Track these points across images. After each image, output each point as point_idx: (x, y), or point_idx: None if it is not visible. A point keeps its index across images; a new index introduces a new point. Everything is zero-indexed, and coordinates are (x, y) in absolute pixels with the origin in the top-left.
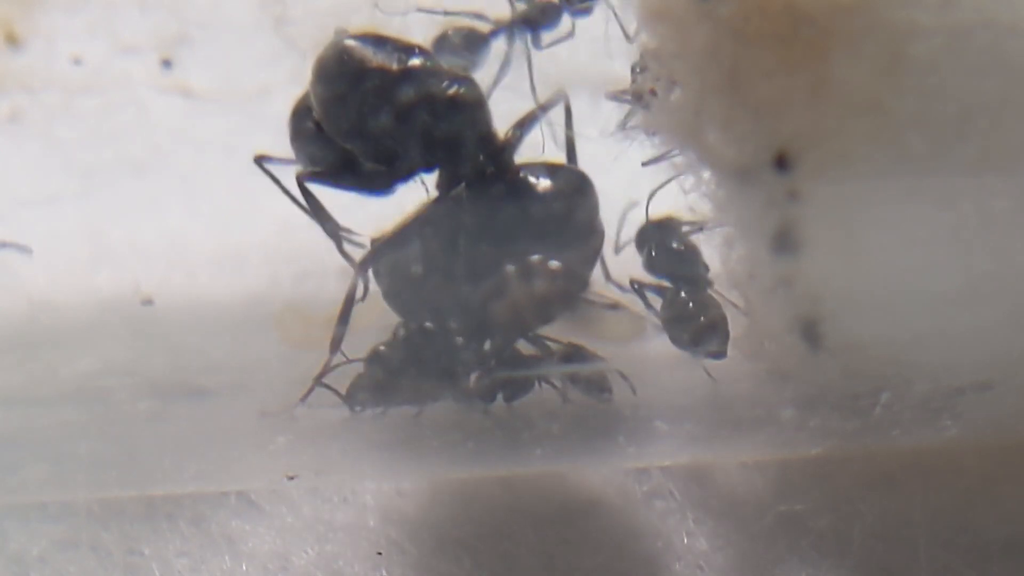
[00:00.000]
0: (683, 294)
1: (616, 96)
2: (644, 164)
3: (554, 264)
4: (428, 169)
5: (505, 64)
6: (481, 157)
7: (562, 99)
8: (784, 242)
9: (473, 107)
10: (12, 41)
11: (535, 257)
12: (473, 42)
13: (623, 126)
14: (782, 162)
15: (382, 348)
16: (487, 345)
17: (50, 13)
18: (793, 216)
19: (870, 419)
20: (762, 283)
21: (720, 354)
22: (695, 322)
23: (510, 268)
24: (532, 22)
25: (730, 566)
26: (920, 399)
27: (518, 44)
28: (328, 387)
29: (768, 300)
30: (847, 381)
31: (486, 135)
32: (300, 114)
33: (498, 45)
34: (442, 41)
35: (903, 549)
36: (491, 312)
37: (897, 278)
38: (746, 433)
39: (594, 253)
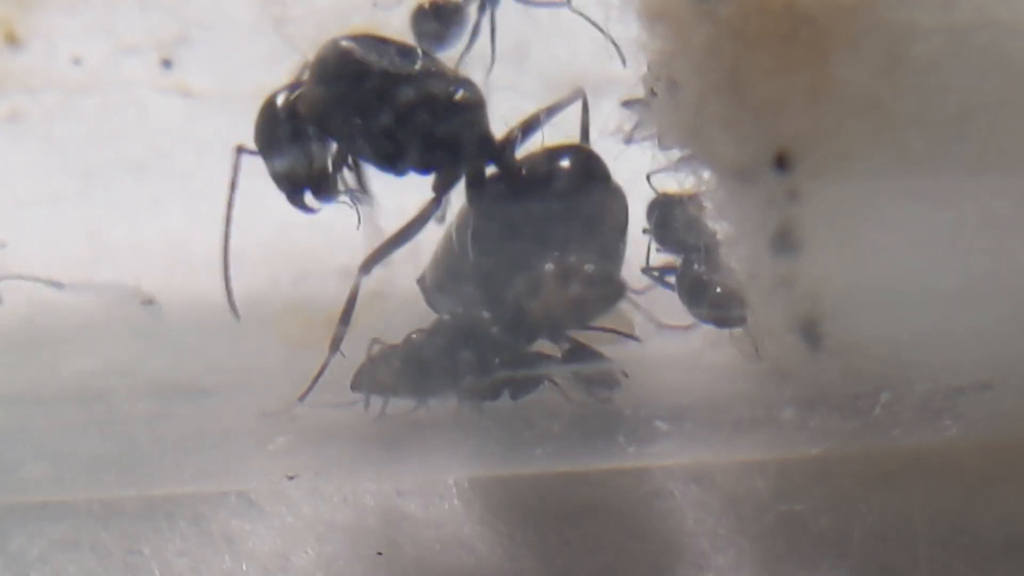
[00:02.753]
0: (696, 265)
1: (631, 104)
2: None
3: (590, 268)
4: (425, 171)
5: (473, 34)
6: (479, 159)
7: (579, 97)
8: (784, 242)
9: (473, 110)
10: (12, 41)
11: (572, 259)
12: (447, 13)
13: (630, 136)
14: (782, 162)
15: (415, 336)
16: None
17: (50, 13)
18: (793, 216)
19: (870, 419)
20: (762, 283)
21: (739, 322)
22: (712, 291)
23: (548, 267)
24: None
25: (730, 566)
26: (920, 399)
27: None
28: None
29: (768, 300)
30: (847, 381)
31: (484, 137)
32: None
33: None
34: (419, 15)
35: (903, 549)
36: (526, 309)
37: (897, 278)
38: (746, 433)
39: (620, 226)
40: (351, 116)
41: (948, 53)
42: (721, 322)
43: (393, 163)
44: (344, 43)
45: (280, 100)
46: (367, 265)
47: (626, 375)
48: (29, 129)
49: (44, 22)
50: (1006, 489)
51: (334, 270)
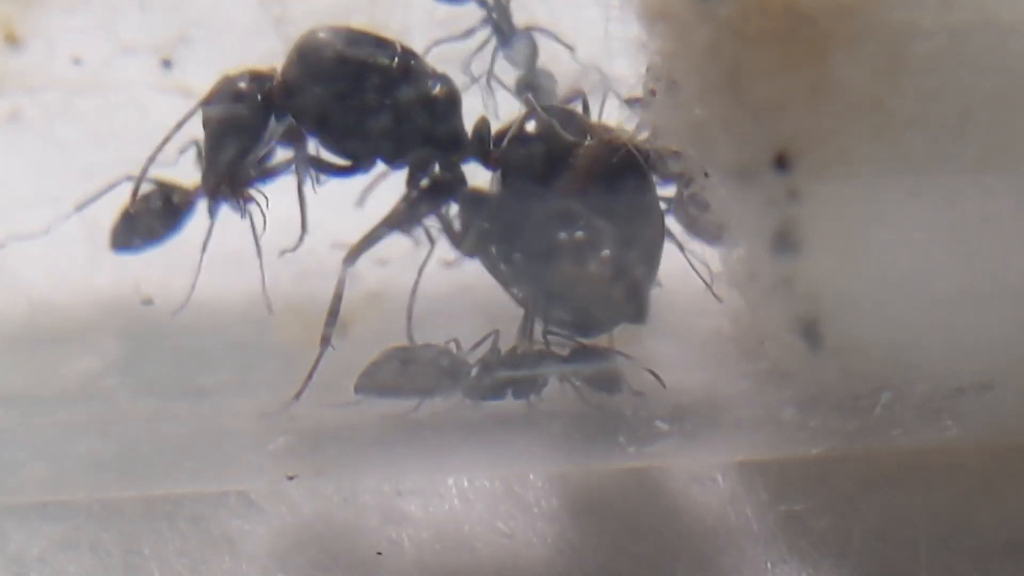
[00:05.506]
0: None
1: (633, 103)
2: None
3: (621, 269)
4: (396, 165)
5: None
6: (450, 155)
7: (579, 97)
8: (784, 242)
9: (447, 107)
10: (12, 41)
11: (606, 252)
12: None
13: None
14: (782, 162)
15: None
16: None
17: (50, 13)
18: (793, 216)
19: (870, 419)
20: (762, 283)
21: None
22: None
23: (590, 250)
24: None
25: (730, 566)
26: (920, 399)
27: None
28: None
29: (768, 300)
30: (847, 381)
31: (456, 134)
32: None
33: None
34: None
35: (903, 549)
36: (560, 267)
37: (897, 278)
38: (746, 433)
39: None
40: (325, 107)
41: (948, 53)
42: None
43: (364, 155)
44: (322, 34)
45: (243, 84)
46: (350, 257)
47: (657, 377)
48: (29, 129)
49: (44, 22)
50: (1006, 489)
51: (334, 270)
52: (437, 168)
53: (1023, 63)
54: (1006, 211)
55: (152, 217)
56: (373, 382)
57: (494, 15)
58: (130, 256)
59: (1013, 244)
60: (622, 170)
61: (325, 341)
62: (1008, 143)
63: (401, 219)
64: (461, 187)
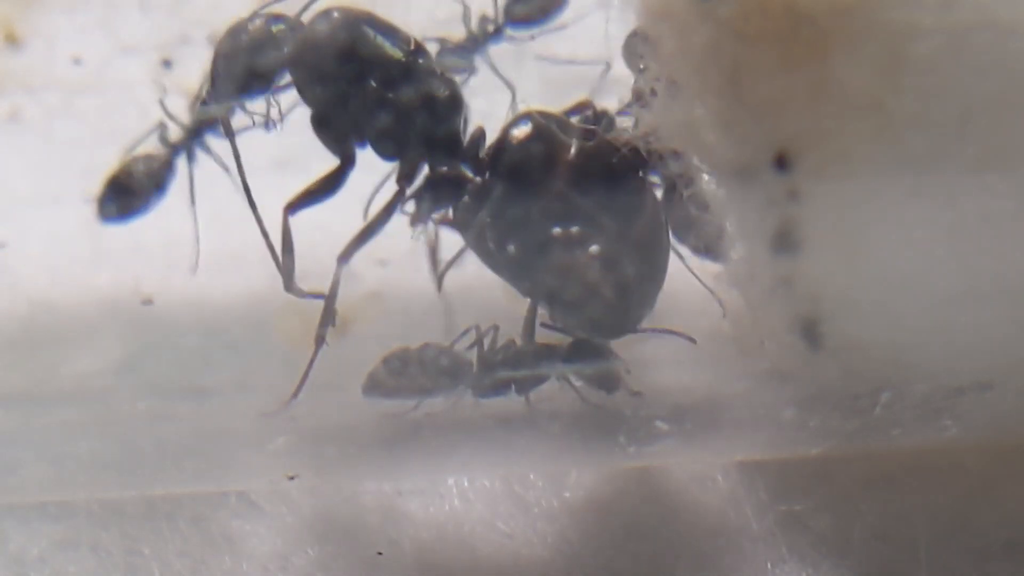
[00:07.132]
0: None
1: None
2: None
3: (608, 264)
4: (388, 157)
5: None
6: (442, 157)
7: (588, 109)
8: (784, 242)
9: (448, 109)
10: (12, 41)
11: (594, 248)
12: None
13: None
14: (782, 162)
15: None
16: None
17: (50, 13)
18: (793, 216)
19: (870, 419)
20: (762, 283)
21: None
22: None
23: (584, 246)
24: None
25: (730, 566)
26: (920, 399)
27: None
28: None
29: (768, 300)
30: (847, 381)
31: (452, 137)
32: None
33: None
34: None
35: (903, 549)
36: (555, 257)
37: (897, 278)
38: (746, 433)
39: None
40: (329, 85)
41: (948, 53)
42: (704, 252)
43: (356, 143)
44: (337, 14)
45: (256, 28)
46: (345, 255)
47: (628, 371)
48: (29, 129)
49: (44, 22)
50: (1006, 489)
51: (334, 270)
52: (427, 168)
53: (1023, 63)
54: (1006, 211)
55: (140, 182)
56: (381, 385)
57: (474, 39)
58: (119, 226)
59: (1013, 244)
60: (614, 173)
61: (320, 340)
62: (1008, 143)
63: (390, 218)
64: (461, 190)
